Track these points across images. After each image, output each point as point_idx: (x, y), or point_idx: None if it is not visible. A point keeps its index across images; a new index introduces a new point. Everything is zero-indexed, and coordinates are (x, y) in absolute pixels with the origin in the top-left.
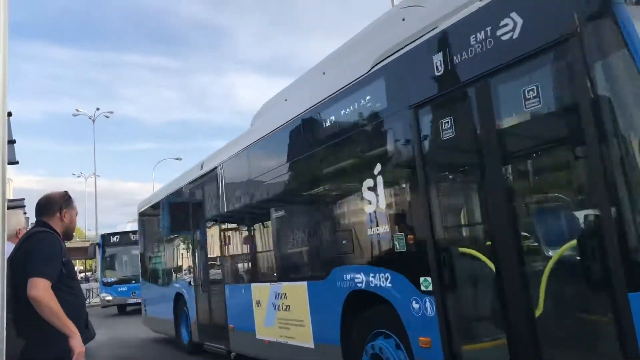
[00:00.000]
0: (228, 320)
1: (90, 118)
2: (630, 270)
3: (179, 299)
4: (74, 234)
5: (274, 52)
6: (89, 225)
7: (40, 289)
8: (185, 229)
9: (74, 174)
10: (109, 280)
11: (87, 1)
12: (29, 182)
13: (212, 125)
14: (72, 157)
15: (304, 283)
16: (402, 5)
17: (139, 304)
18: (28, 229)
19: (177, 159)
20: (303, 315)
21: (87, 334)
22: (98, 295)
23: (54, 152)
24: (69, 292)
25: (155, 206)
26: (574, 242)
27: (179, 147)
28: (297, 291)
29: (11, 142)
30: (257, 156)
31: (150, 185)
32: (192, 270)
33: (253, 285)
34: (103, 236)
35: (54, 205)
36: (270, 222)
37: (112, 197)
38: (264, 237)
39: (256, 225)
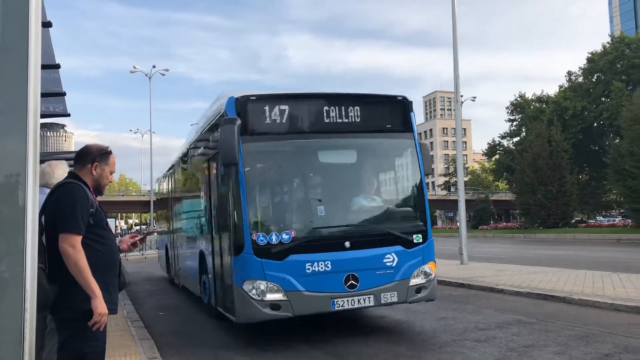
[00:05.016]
0: None
1: (146, 75)
2: None
3: None
4: (131, 188)
5: (328, 12)
6: (144, 180)
7: (70, 244)
8: None
9: (131, 130)
10: (272, 241)
11: None
12: (86, 137)
13: (265, 86)
14: (128, 113)
15: None
16: None
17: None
18: None
19: None
20: None
21: (120, 282)
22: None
23: (111, 108)
24: (99, 241)
25: None
26: None
27: None
28: None
29: (61, 94)
30: None
31: None
32: None
33: None
34: (237, 103)
35: (88, 156)
36: None
37: (165, 154)
38: None
39: None
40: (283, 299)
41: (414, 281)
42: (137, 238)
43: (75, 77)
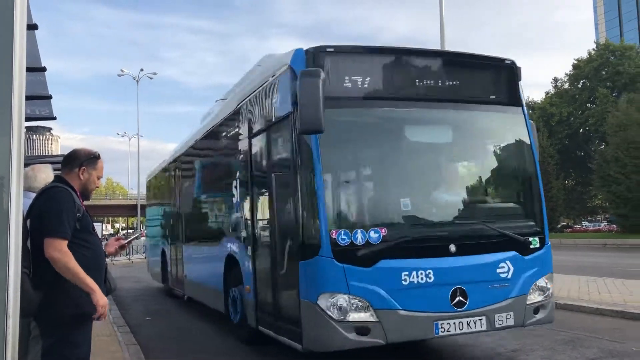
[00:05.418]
0: None
1: (134, 79)
2: None
3: None
4: (117, 192)
5: (316, 17)
6: (131, 184)
7: (57, 249)
8: None
9: (118, 134)
10: (357, 241)
11: None
12: (72, 140)
13: None
14: (115, 116)
15: None
16: None
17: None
18: None
19: None
20: None
21: (106, 288)
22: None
23: (98, 111)
24: (85, 246)
25: None
26: None
27: None
28: None
29: (47, 97)
30: None
31: None
32: None
33: None
34: (309, 55)
35: (75, 161)
36: None
37: (152, 158)
38: None
39: None
40: (372, 319)
41: (532, 298)
42: (123, 241)
43: (61, 80)
